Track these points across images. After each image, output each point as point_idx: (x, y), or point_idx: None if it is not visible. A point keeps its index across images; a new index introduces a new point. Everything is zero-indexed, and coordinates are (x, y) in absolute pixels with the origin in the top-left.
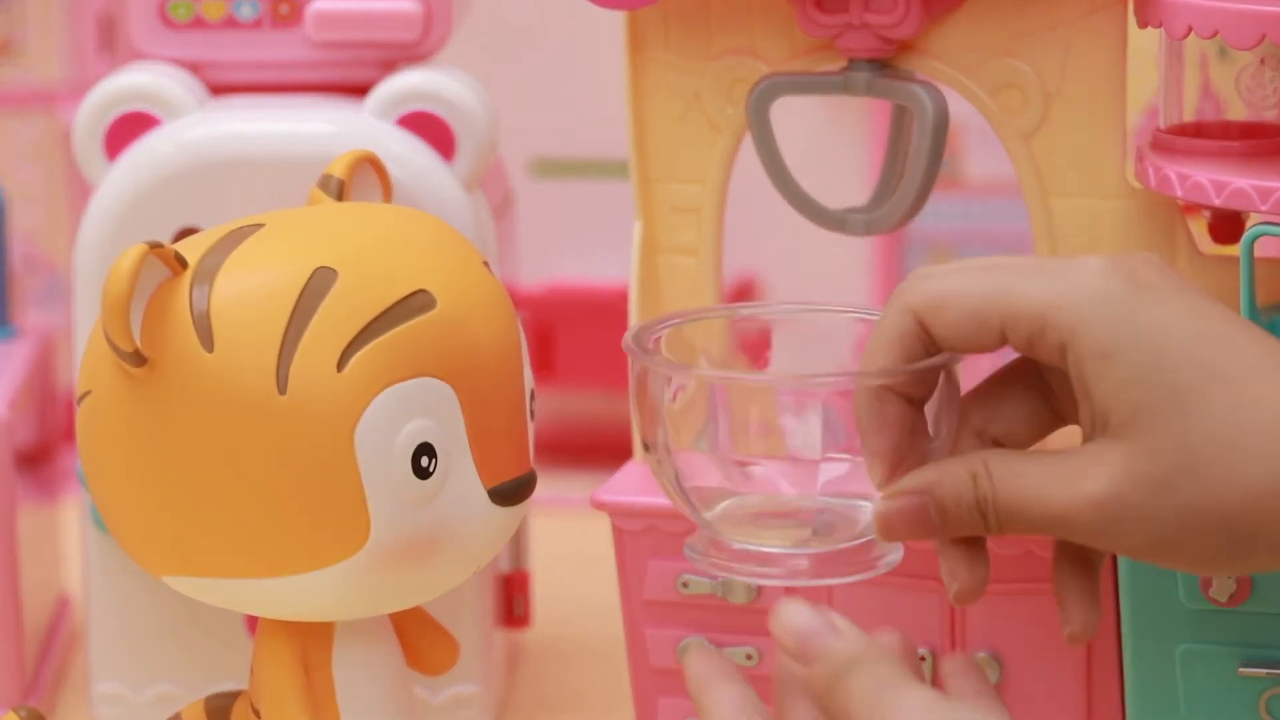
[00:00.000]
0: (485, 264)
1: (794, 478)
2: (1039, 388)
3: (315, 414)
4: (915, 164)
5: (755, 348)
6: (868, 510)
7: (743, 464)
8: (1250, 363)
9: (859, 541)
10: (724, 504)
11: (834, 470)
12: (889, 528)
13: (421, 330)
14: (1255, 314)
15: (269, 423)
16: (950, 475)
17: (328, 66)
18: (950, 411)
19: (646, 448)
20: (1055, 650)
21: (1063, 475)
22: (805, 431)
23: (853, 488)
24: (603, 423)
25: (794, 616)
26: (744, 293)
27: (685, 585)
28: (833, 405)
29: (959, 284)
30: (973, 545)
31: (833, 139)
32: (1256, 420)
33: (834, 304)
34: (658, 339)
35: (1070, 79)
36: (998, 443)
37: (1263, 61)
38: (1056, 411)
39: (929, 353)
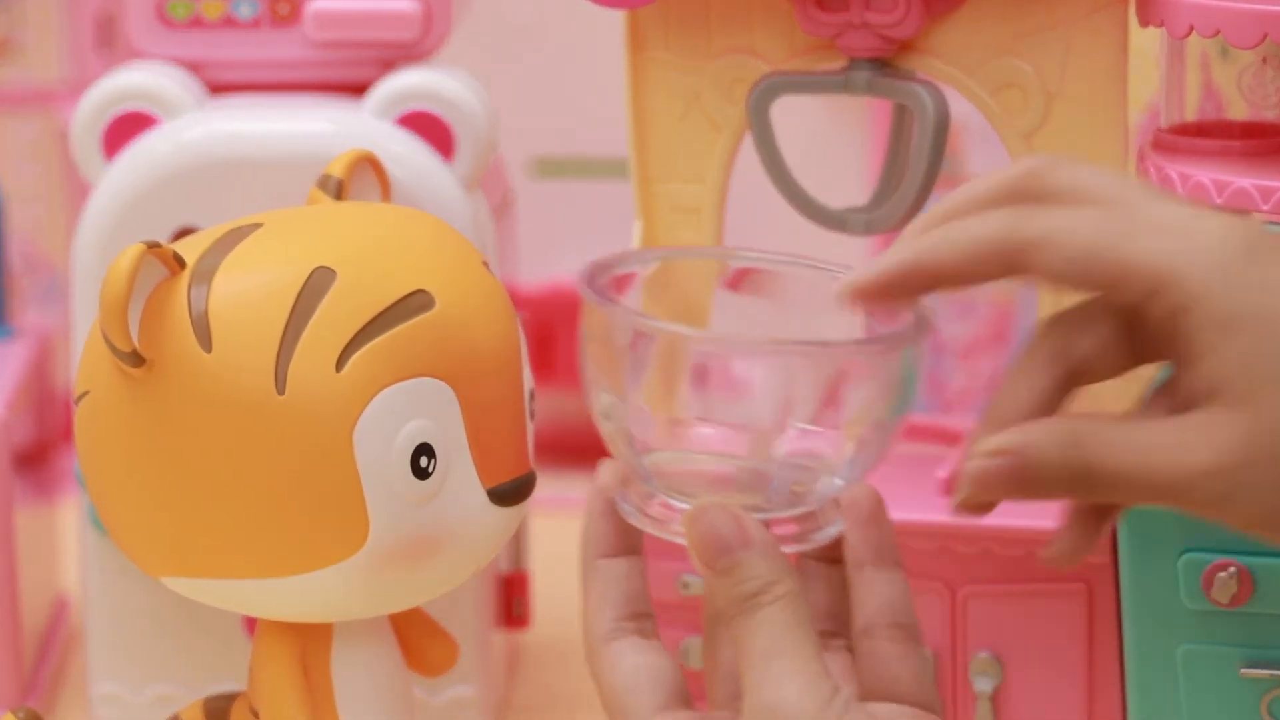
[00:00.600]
0: (485, 264)
1: (751, 443)
2: (1127, 322)
3: (314, 414)
4: (916, 163)
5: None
6: (827, 482)
7: (697, 423)
8: None
9: (797, 512)
10: (668, 457)
11: (796, 440)
12: (979, 486)
13: (420, 330)
14: None
15: (267, 423)
16: (1046, 438)
17: (327, 66)
18: None
19: (594, 390)
20: (1056, 651)
21: (1171, 444)
22: (770, 396)
23: (812, 458)
24: None
25: (712, 521)
26: None
27: (685, 586)
28: (800, 371)
29: (1072, 224)
30: (1096, 513)
31: (833, 138)
32: None
33: (832, 263)
34: (625, 276)
35: (1071, 78)
36: (1075, 372)
37: (1264, 61)
38: (1136, 352)
39: (1003, 274)
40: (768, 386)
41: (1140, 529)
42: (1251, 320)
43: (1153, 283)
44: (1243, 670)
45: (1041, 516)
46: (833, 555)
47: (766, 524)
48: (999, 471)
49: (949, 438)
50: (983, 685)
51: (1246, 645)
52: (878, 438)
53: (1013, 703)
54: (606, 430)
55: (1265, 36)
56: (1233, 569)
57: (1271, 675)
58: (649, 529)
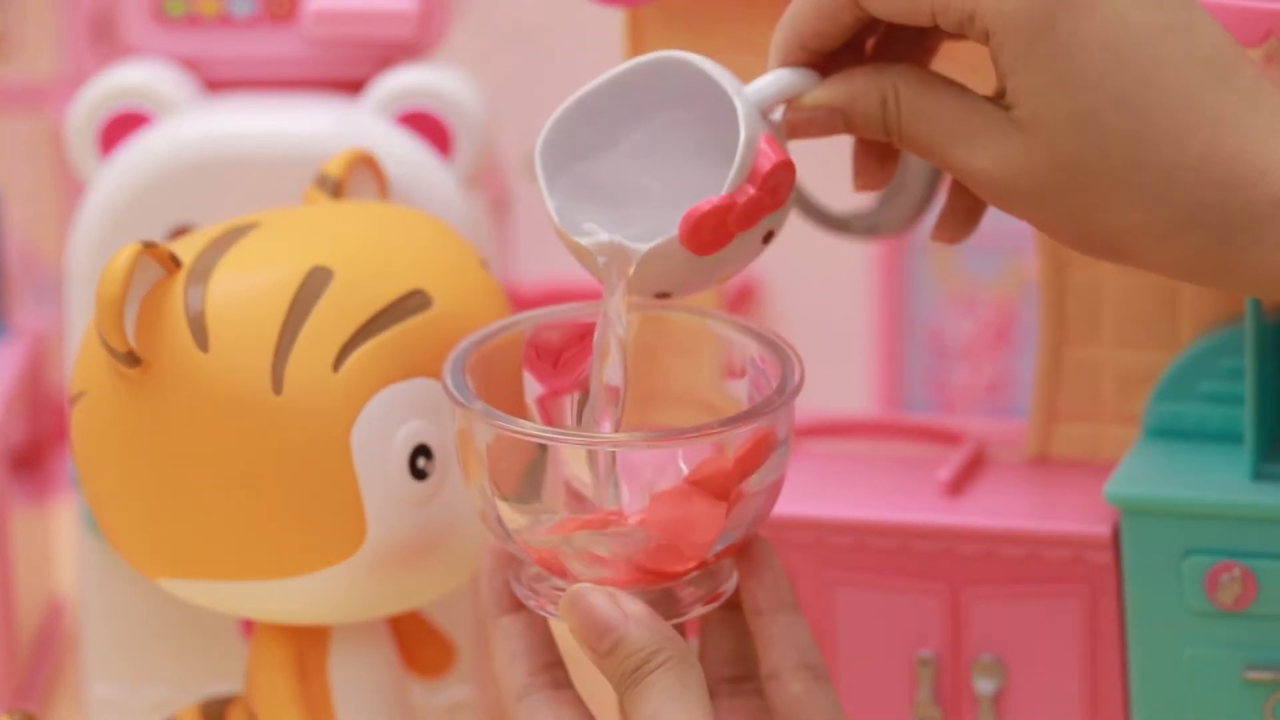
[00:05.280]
0: (483, 263)
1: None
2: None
3: (311, 414)
4: (919, 165)
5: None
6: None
7: (562, 511)
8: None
9: (688, 579)
10: (541, 539)
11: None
12: (797, 131)
13: (418, 330)
14: (1260, 313)
15: (264, 423)
16: (864, 97)
17: (324, 63)
18: None
19: (465, 476)
20: (1059, 653)
21: (964, 134)
22: (628, 484)
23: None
24: None
25: (590, 603)
26: (744, 297)
27: None
28: (654, 459)
29: None
30: (886, 150)
31: (836, 140)
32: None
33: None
34: (470, 363)
35: None
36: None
37: (1269, 59)
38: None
39: (855, 19)
40: (626, 475)
41: (1144, 531)
42: (1045, 60)
43: (966, 12)
44: (1246, 673)
45: (1045, 519)
46: (731, 600)
47: (670, 590)
48: (818, 123)
49: (949, 438)
50: (984, 687)
51: (1250, 648)
52: (755, 500)
53: (1015, 705)
54: (480, 514)
55: (1270, 34)
56: (1236, 571)
57: (1275, 678)
58: (544, 613)
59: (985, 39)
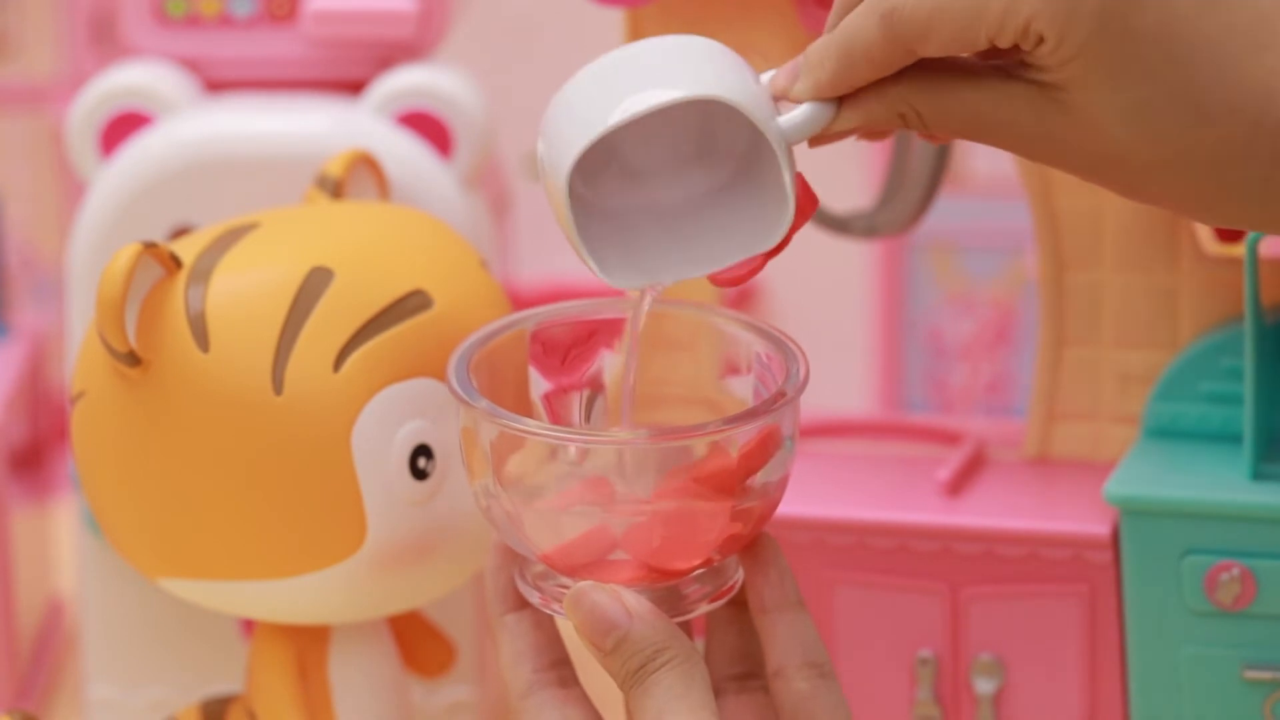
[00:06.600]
0: (483, 263)
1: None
2: None
3: (311, 414)
4: (920, 165)
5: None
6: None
7: (569, 510)
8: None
9: (693, 576)
10: (546, 535)
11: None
12: (819, 142)
13: (418, 330)
14: (1259, 313)
15: (265, 423)
16: (882, 119)
17: (324, 64)
18: None
19: (469, 474)
20: (1058, 653)
21: (996, 122)
22: (637, 478)
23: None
24: None
25: (594, 602)
26: (744, 296)
27: None
28: (664, 454)
29: (945, 4)
30: None
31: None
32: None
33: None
34: (475, 360)
35: None
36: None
37: None
38: None
39: (904, 62)
40: (634, 469)
41: (1143, 531)
42: (1098, 55)
43: (1022, 30)
44: (1245, 672)
45: (1045, 519)
46: (737, 598)
47: (676, 587)
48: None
49: (949, 438)
50: (984, 687)
51: (1249, 647)
52: (760, 497)
53: (1014, 705)
54: (484, 511)
55: None
56: (1235, 570)
57: (1274, 677)
58: (548, 610)
59: (1037, 44)
